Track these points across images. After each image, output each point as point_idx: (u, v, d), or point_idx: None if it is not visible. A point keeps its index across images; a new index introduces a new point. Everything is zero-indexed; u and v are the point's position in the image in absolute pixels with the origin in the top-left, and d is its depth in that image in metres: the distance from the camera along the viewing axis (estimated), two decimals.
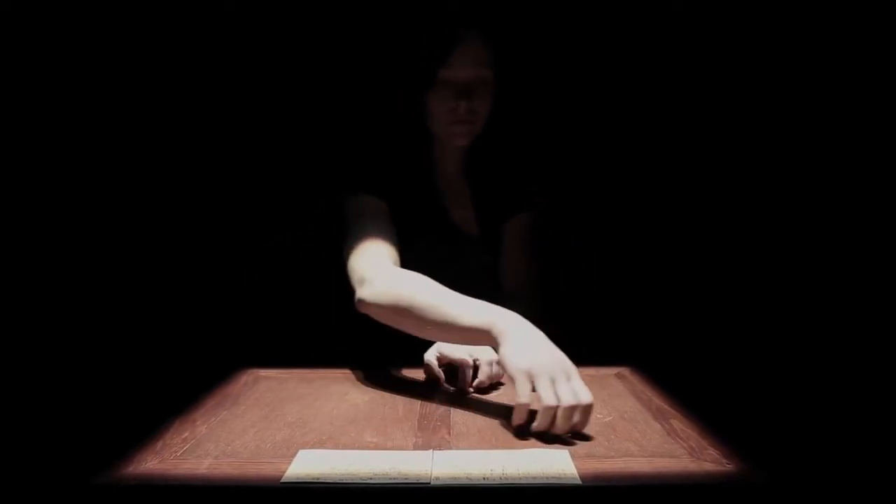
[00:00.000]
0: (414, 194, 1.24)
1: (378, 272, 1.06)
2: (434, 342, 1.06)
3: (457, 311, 0.96)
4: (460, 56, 1.14)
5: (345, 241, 1.15)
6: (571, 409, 0.83)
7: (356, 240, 1.13)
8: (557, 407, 0.83)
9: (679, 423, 0.89)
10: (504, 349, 0.89)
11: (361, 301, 1.06)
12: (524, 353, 0.88)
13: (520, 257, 1.30)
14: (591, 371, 1.13)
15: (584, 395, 0.85)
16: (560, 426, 0.83)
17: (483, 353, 1.04)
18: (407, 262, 1.12)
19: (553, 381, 0.85)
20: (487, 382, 1.03)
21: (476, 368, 1.04)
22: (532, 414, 0.85)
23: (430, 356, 1.06)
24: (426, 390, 1.04)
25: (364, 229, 1.14)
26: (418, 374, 1.11)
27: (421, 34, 1.17)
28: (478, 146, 1.25)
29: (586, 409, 0.84)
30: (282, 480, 0.72)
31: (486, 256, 1.28)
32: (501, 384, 1.06)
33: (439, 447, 0.81)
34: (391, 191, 1.21)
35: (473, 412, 0.94)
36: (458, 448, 0.81)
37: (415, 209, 1.23)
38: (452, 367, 1.05)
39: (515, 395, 0.85)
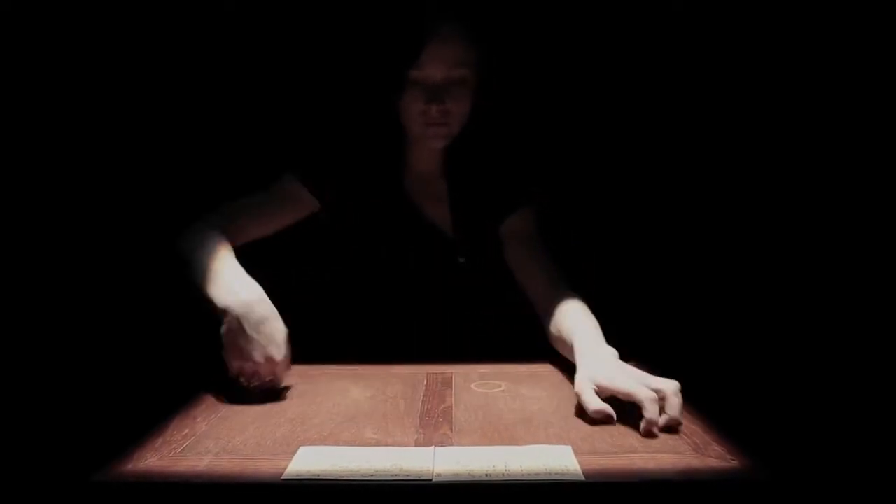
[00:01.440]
0: (374, 189, 1.23)
1: (200, 222, 1.12)
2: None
3: (207, 279, 0.99)
4: (431, 56, 1.10)
5: None
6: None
7: (234, 201, 1.19)
8: None
9: (683, 419, 0.88)
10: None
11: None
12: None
13: (538, 255, 1.23)
14: None
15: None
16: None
17: (662, 384, 0.85)
18: (372, 257, 1.21)
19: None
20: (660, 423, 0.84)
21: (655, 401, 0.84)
22: None
23: (586, 389, 0.89)
24: (428, 386, 1.03)
25: (249, 197, 1.20)
26: (420, 371, 1.10)
27: (393, 33, 1.13)
28: (457, 145, 1.23)
29: None
30: (282, 477, 0.72)
31: (461, 258, 1.26)
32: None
33: (441, 444, 0.80)
34: (341, 184, 1.21)
35: (475, 408, 0.94)
36: (459, 444, 0.80)
37: (376, 204, 1.23)
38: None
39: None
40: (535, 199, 1.29)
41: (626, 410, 0.91)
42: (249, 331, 0.94)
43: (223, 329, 0.95)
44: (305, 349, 1.19)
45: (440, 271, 1.25)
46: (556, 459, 0.74)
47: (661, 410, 0.83)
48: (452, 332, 1.27)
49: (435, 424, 0.87)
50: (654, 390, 0.84)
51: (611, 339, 1.26)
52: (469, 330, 1.28)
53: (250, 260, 1.54)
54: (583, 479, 0.70)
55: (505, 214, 1.26)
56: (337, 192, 1.23)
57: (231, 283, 0.98)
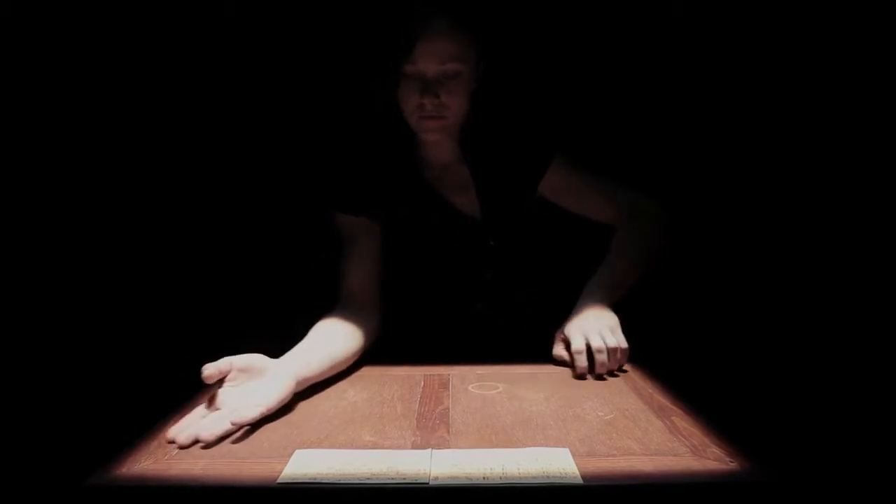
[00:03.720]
0: (400, 187, 1.24)
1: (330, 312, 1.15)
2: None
3: None
4: (423, 51, 1.12)
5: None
6: None
7: (340, 269, 1.22)
8: None
9: (681, 421, 0.88)
10: None
11: None
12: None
13: (590, 195, 1.29)
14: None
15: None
16: None
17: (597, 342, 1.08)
18: (406, 251, 1.23)
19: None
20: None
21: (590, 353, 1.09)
22: None
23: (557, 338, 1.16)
24: (425, 388, 1.03)
25: (343, 258, 1.22)
26: (417, 373, 1.10)
27: (384, 30, 1.15)
28: (472, 131, 1.25)
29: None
30: (278, 481, 0.71)
31: (490, 242, 1.28)
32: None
33: (438, 446, 0.80)
34: (374, 192, 1.22)
35: (473, 410, 0.93)
36: (456, 447, 0.80)
37: (405, 200, 1.24)
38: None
39: None
40: (556, 149, 1.30)
41: (626, 414, 0.91)
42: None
43: None
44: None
45: (469, 255, 1.28)
46: (554, 462, 0.74)
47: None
48: (485, 320, 1.30)
49: (432, 427, 0.87)
50: (594, 346, 1.06)
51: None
52: (502, 317, 1.32)
53: (259, 262, 1.56)
54: (581, 481, 0.70)
55: (535, 182, 1.29)
56: (373, 203, 1.24)
57: None
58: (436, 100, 1.14)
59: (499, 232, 1.29)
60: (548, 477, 0.70)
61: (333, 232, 1.26)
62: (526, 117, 1.47)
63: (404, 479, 0.71)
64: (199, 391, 1.02)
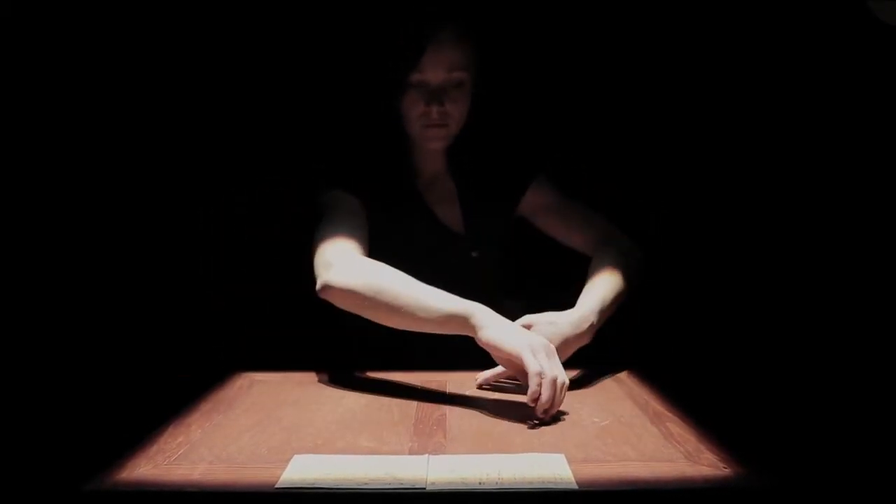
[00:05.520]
0: (392, 193, 1.24)
1: (347, 258, 1.07)
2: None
3: (433, 299, 1.00)
4: (430, 60, 1.13)
5: (315, 232, 1.13)
6: (554, 381, 0.89)
7: (326, 230, 1.12)
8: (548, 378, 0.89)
9: (676, 427, 0.89)
10: (492, 333, 0.95)
11: (327, 285, 1.04)
12: (516, 334, 0.95)
13: (567, 218, 1.29)
14: (588, 374, 1.13)
15: (563, 375, 0.92)
16: (545, 396, 0.88)
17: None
18: (389, 258, 1.11)
19: (547, 356, 0.92)
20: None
21: None
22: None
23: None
24: (422, 394, 1.03)
25: (335, 221, 1.14)
26: (414, 378, 1.11)
27: (392, 38, 1.16)
28: (459, 145, 1.26)
29: (563, 387, 0.92)
30: (276, 486, 0.72)
31: (474, 254, 1.28)
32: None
33: (435, 452, 0.81)
34: (368, 189, 1.21)
35: (469, 416, 0.94)
36: (453, 452, 0.81)
37: (394, 207, 1.24)
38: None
39: (526, 368, 0.90)
40: (540, 167, 1.32)
41: (621, 421, 0.92)
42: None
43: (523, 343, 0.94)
44: (310, 355, 1.20)
45: (452, 268, 1.27)
46: (550, 468, 0.75)
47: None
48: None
49: (429, 432, 0.87)
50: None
51: (607, 343, 1.27)
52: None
53: (257, 266, 1.57)
54: (575, 487, 0.71)
55: (517, 197, 1.31)
56: (369, 198, 1.23)
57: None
58: (441, 108, 1.15)
59: (481, 244, 1.29)
60: (543, 482, 0.71)
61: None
62: (512, 133, 1.49)
63: (401, 484, 0.71)
64: (198, 393, 1.02)
